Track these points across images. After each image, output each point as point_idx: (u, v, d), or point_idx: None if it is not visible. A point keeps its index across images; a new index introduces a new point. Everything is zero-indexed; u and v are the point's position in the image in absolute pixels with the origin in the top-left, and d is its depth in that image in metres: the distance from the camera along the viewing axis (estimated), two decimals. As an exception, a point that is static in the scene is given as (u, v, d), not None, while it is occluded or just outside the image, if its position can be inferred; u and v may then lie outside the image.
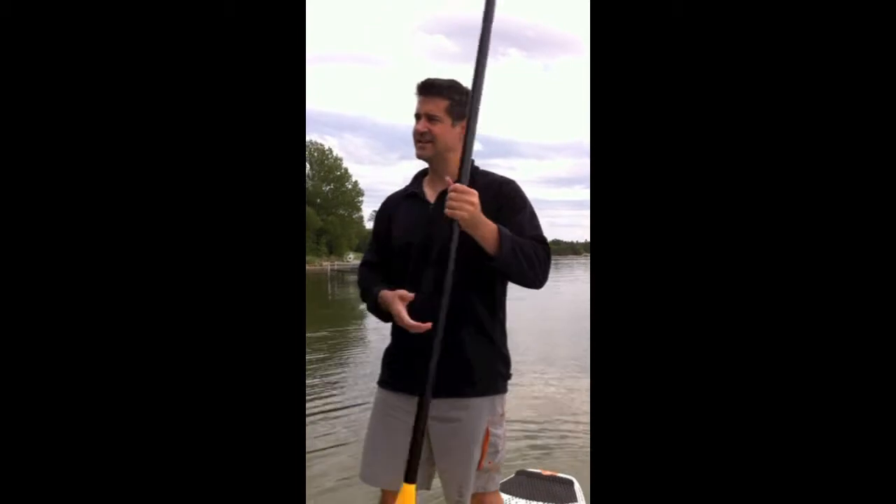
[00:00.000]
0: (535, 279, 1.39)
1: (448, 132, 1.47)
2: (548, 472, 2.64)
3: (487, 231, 1.32)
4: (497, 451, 1.51)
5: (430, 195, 1.53)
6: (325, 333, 8.62)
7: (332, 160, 63.62)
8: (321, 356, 6.86)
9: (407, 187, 1.62)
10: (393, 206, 1.61)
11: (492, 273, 1.45)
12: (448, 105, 1.47)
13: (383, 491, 1.53)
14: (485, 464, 1.47)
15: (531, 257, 1.37)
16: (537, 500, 2.32)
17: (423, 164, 1.58)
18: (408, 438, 1.42)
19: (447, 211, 1.26)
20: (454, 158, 1.46)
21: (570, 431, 3.84)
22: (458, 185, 1.27)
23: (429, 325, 1.30)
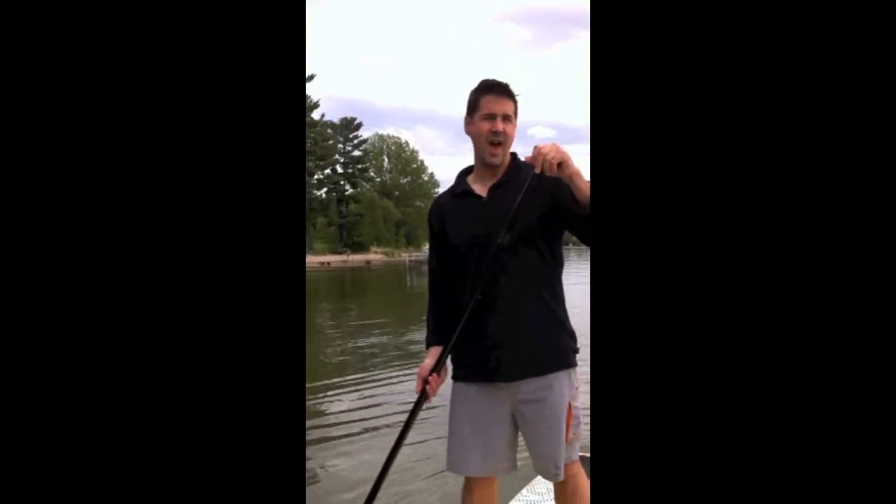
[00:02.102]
0: None
1: (513, 133, 1.55)
2: (590, 454, 2.72)
3: (581, 179, 1.38)
4: (579, 423, 1.58)
5: (480, 190, 1.57)
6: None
7: (408, 153, 64.72)
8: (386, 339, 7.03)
9: (454, 187, 1.64)
10: (444, 208, 1.64)
11: (550, 255, 1.55)
12: (514, 107, 1.54)
13: (467, 477, 1.60)
14: (570, 436, 1.55)
15: None
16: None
17: (470, 161, 1.63)
18: (491, 424, 1.55)
19: (548, 161, 1.35)
20: (507, 156, 1.58)
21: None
22: (539, 146, 1.38)
23: (431, 388, 1.53)
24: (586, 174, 1.38)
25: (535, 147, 1.38)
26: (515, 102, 1.54)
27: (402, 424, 1.56)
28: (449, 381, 1.61)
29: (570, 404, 1.54)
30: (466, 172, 1.64)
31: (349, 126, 58.64)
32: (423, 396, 1.54)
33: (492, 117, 1.50)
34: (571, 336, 1.58)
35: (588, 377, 0.91)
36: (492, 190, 1.55)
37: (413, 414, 1.54)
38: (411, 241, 57.95)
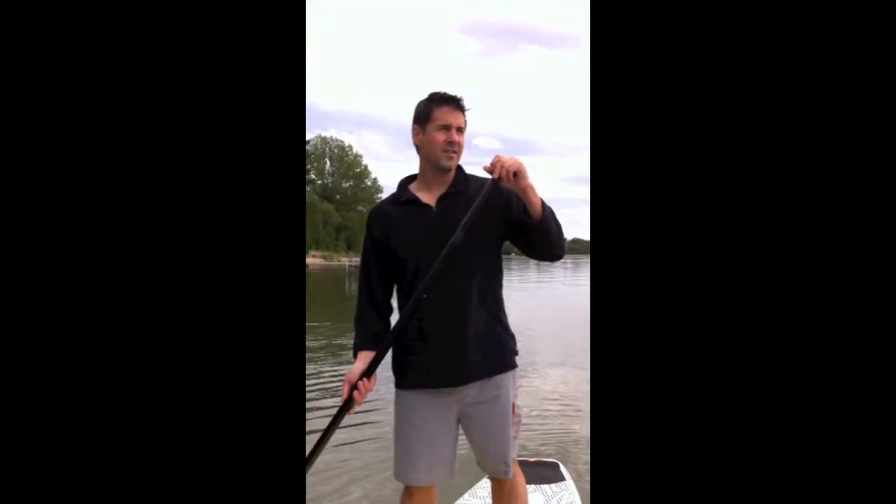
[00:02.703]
0: (561, 246, 1.55)
1: (464, 144, 1.59)
2: (533, 459, 2.86)
3: (534, 193, 1.46)
4: (520, 421, 1.66)
5: (428, 199, 1.59)
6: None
7: (351, 157, 64.14)
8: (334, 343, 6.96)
9: (397, 195, 1.64)
10: (389, 215, 1.62)
11: (494, 262, 1.61)
12: (465, 119, 1.58)
13: (407, 486, 1.61)
14: (513, 432, 1.62)
15: (559, 224, 1.53)
16: (531, 483, 2.50)
17: (415, 169, 1.65)
18: (438, 432, 1.57)
19: (505, 169, 1.41)
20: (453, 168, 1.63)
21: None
22: (499, 155, 1.46)
23: (359, 394, 1.47)
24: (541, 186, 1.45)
25: (496, 156, 1.44)
26: (465, 115, 1.58)
27: (323, 430, 1.49)
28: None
29: (513, 403, 1.60)
30: (408, 181, 1.65)
31: (291, 126, 57.28)
32: (349, 403, 1.48)
33: (447, 128, 1.53)
34: (512, 339, 1.64)
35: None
36: (440, 200, 1.57)
37: (336, 420, 1.48)
38: (351, 246, 57.30)
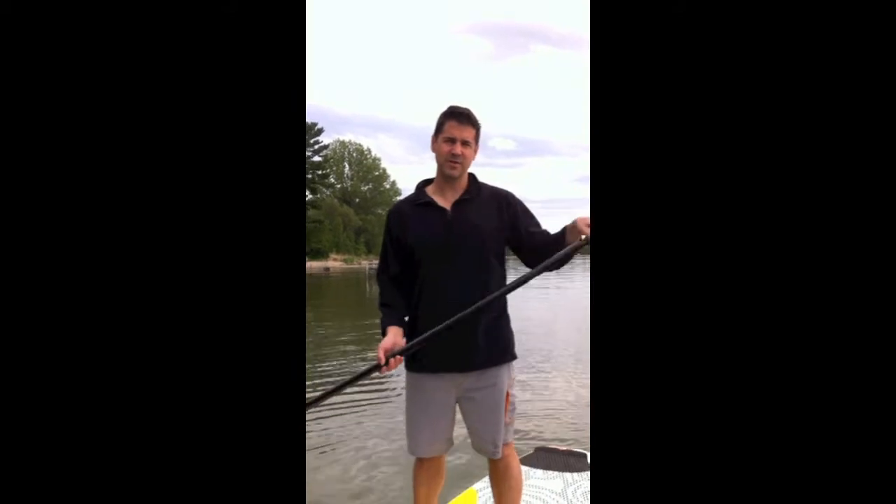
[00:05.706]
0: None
1: (472, 156, 1.75)
2: (564, 448, 3.01)
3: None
4: (514, 409, 1.86)
5: (443, 202, 1.76)
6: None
7: (370, 160, 64.43)
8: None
9: (415, 197, 1.82)
10: (407, 215, 1.81)
11: (503, 264, 1.81)
12: (475, 133, 1.74)
13: (418, 458, 1.85)
14: (507, 419, 1.81)
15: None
16: (555, 470, 2.67)
17: (430, 172, 1.81)
18: (439, 411, 1.78)
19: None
20: (466, 175, 1.79)
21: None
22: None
23: (390, 365, 1.62)
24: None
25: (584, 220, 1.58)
26: (477, 129, 1.73)
27: (349, 378, 1.66)
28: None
29: (507, 392, 1.78)
30: (425, 184, 1.82)
31: (310, 131, 57.81)
32: (380, 366, 1.63)
33: (452, 141, 1.70)
34: (512, 335, 1.83)
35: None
36: (455, 205, 1.74)
37: (363, 374, 1.66)
38: (371, 249, 57.55)
